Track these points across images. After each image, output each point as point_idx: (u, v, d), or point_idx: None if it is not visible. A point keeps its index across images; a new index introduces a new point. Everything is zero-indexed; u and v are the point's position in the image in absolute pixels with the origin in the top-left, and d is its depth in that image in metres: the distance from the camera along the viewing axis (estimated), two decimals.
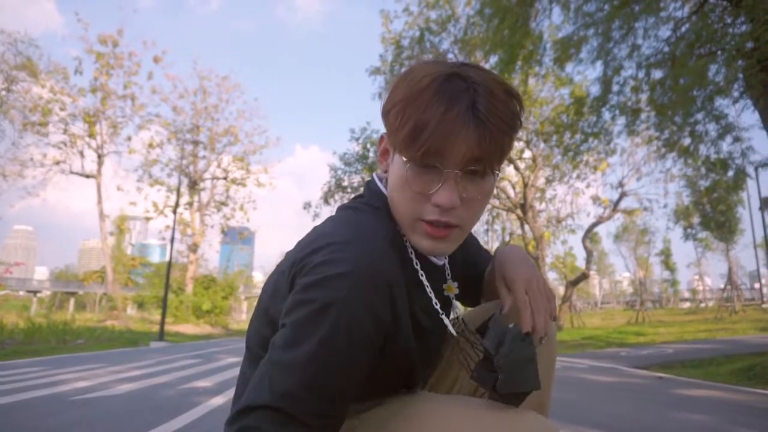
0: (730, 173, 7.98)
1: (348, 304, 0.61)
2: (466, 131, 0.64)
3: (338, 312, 0.60)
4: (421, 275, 0.77)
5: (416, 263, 0.76)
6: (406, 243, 0.76)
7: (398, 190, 0.71)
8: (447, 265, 0.86)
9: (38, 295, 56.25)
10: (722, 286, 26.44)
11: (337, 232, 0.69)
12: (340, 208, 0.81)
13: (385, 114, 0.72)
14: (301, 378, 0.60)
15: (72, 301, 57.79)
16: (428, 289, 0.78)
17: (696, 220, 24.51)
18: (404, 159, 0.68)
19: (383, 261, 0.65)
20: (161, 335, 15.08)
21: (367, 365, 0.65)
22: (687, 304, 44.31)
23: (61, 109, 25.26)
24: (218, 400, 3.53)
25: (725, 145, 7.73)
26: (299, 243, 0.73)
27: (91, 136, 25.99)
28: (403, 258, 0.74)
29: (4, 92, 23.13)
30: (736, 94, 7.11)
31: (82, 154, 26.15)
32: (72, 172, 26.15)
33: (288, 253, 0.74)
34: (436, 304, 0.79)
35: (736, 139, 7.38)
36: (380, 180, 0.81)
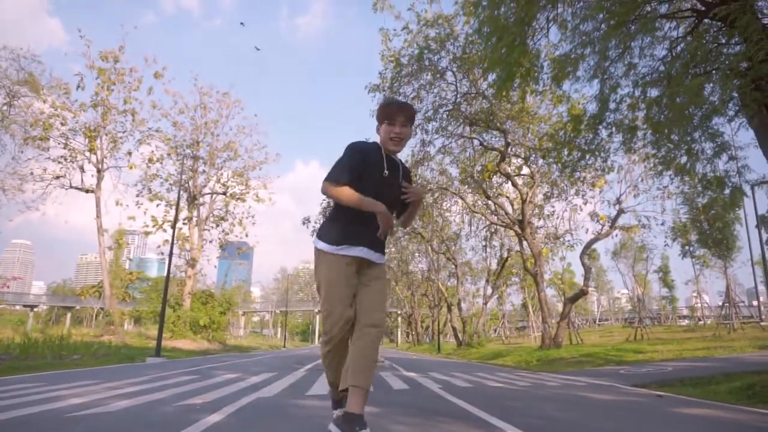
0: (727, 191, 8.01)
1: (350, 149, 2.58)
2: (401, 110, 2.63)
3: (348, 151, 2.58)
4: (384, 158, 2.65)
5: (382, 155, 2.65)
6: (381, 150, 2.66)
7: (381, 132, 2.66)
8: (397, 161, 2.74)
9: (35, 309, 55.92)
10: (720, 303, 26.40)
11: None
12: None
13: (377, 114, 2.68)
14: (337, 166, 2.54)
15: (69, 315, 57.45)
16: (384, 161, 2.63)
17: (693, 237, 24.56)
18: (384, 124, 2.64)
19: (364, 145, 2.63)
20: (158, 351, 14.97)
21: (357, 167, 2.52)
22: (685, 322, 44.14)
23: (62, 124, 25.40)
24: (215, 418, 3.51)
25: (721, 164, 7.78)
26: None
27: (92, 150, 26.08)
28: (379, 152, 2.65)
29: (6, 107, 23.26)
30: (731, 113, 7.19)
31: (82, 168, 26.22)
32: (72, 187, 26.19)
33: None
34: (386, 168, 2.63)
35: (732, 158, 7.43)
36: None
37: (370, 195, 2.45)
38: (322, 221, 3.11)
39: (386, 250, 3.06)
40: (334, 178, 2.47)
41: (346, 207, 2.49)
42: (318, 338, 74.96)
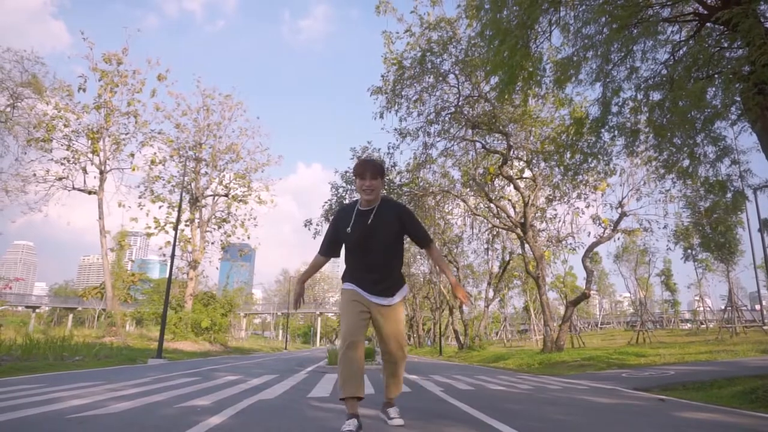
0: (729, 195, 8.00)
1: (331, 220, 3.44)
2: (367, 167, 3.23)
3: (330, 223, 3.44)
4: (354, 213, 3.27)
5: (355, 211, 3.29)
6: (357, 206, 3.30)
7: (356, 186, 3.29)
8: (373, 212, 3.27)
9: (37, 310, 56.01)
10: (723, 307, 26.32)
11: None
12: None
13: (353, 172, 3.33)
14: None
15: (71, 317, 57.50)
16: (352, 217, 3.26)
17: (696, 240, 24.51)
18: (357, 179, 3.24)
19: (342, 211, 3.37)
20: (159, 352, 14.98)
21: (330, 239, 3.38)
22: (688, 325, 44.03)
23: (65, 126, 25.51)
24: (216, 419, 3.51)
25: (723, 168, 7.79)
26: None
27: (94, 152, 26.17)
28: (350, 210, 3.31)
29: (9, 108, 23.35)
30: (733, 117, 7.18)
31: (84, 170, 26.32)
32: (74, 188, 26.28)
33: None
34: (350, 225, 3.24)
35: (734, 162, 7.43)
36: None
37: (349, 248, 3.33)
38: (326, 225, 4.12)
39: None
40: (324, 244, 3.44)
41: (347, 259, 3.37)
42: (319, 341, 75.00)
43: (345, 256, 3.37)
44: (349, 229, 3.22)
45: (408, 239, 3.59)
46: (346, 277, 3.36)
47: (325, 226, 23.40)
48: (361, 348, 3.16)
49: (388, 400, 3.53)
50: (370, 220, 3.23)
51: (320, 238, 3.43)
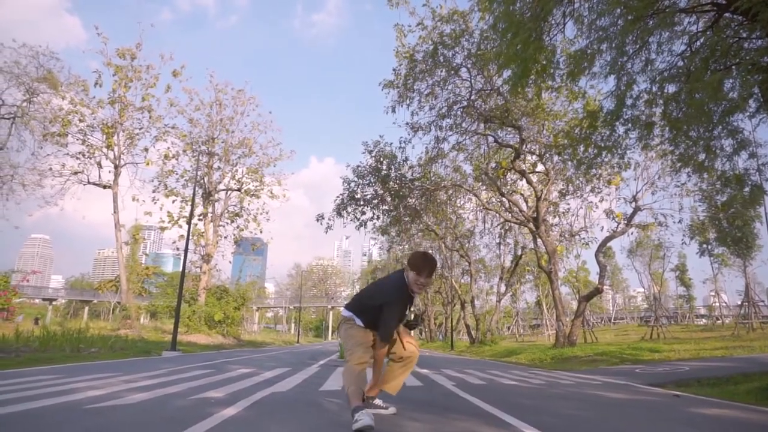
0: (747, 189, 7.87)
1: (396, 300, 3.59)
2: (430, 266, 3.53)
3: (395, 303, 3.59)
4: (409, 296, 3.66)
5: (410, 294, 3.65)
6: (407, 290, 3.63)
7: (410, 276, 3.56)
8: (416, 297, 3.77)
9: (53, 303, 56.87)
10: (739, 302, 25.97)
11: (387, 282, 3.84)
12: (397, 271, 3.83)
13: (410, 261, 3.59)
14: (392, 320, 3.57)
15: (86, 309, 58.34)
16: (411, 300, 3.74)
17: (712, 235, 24.17)
18: (413, 272, 3.52)
19: (400, 293, 3.60)
20: (173, 345, 15.15)
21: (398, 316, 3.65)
22: (703, 321, 43.51)
23: (80, 120, 25.76)
24: (230, 411, 3.54)
25: (741, 161, 7.65)
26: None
27: (109, 147, 26.43)
28: (407, 295, 3.65)
29: (25, 103, 23.64)
30: (752, 109, 7.04)
31: (99, 164, 26.59)
32: (89, 183, 26.57)
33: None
34: (409, 306, 3.80)
35: (752, 155, 7.30)
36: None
37: (394, 316, 3.60)
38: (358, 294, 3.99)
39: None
40: (386, 338, 3.60)
41: (368, 306, 3.67)
42: (331, 334, 75.33)
43: (364, 302, 3.72)
44: (414, 310, 4.03)
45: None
46: (359, 317, 3.68)
47: (339, 221, 23.50)
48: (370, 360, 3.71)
49: (369, 397, 3.74)
50: (409, 309, 3.86)
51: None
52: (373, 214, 21.17)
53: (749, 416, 4.03)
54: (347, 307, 3.81)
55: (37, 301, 58.26)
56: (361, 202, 20.92)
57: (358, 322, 3.67)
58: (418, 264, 3.49)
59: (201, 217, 30.16)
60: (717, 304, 39.89)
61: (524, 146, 18.63)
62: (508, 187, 22.11)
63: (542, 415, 3.77)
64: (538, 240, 20.64)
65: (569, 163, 15.32)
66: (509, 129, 18.77)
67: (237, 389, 5.10)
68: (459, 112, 17.92)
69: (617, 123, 8.39)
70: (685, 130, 7.66)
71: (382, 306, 3.50)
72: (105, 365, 8.72)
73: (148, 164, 28.03)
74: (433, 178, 21.17)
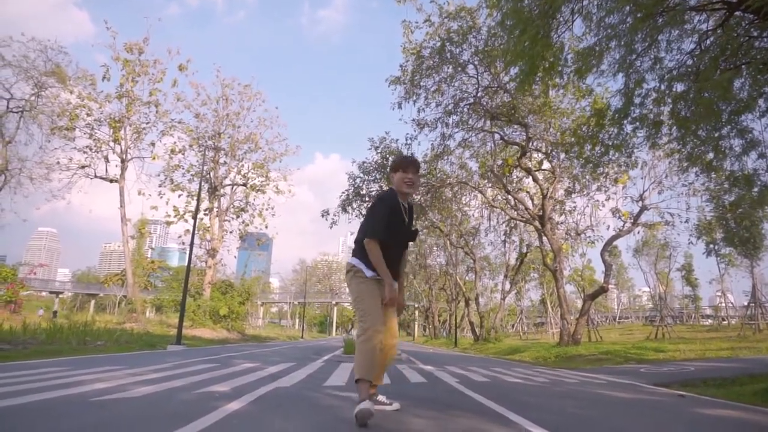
0: (756, 190, 7.81)
1: (381, 204, 3.33)
2: (412, 163, 3.48)
3: (380, 206, 3.33)
4: (401, 207, 3.38)
5: (401, 205, 3.38)
6: (398, 197, 3.39)
7: (396, 178, 3.43)
8: (406, 207, 3.45)
9: (60, 296, 57.31)
10: (746, 303, 25.83)
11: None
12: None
13: (392, 165, 3.55)
14: (372, 223, 3.28)
15: (92, 302, 58.74)
16: (402, 210, 3.39)
17: (719, 235, 24.02)
18: (398, 172, 3.42)
19: (390, 199, 3.35)
20: (179, 339, 15.22)
21: (387, 222, 3.25)
22: (708, 321, 43.32)
23: (88, 115, 25.90)
24: (235, 405, 3.56)
25: (750, 161, 7.59)
26: None
27: (116, 141, 26.55)
28: (398, 201, 3.37)
29: (33, 97, 23.77)
30: (762, 108, 6.98)
31: (106, 158, 26.75)
32: (96, 176, 26.72)
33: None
34: (405, 219, 3.41)
35: (762, 155, 7.24)
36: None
37: (396, 239, 3.35)
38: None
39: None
40: (370, 234, 3.25)
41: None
42: (335, 330, 75.52)
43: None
44: (406, 221, 3.42)
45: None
46: (365, 262, 3.29)
47: (344, 217, 23.52)
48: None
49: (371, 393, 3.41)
50: (407, 219, 3.44)
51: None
52: None
53: (755, 417, 4.01)
54: (354, 253, 3.43)
55: (44, 294, 58.72)
56: (367, 198, 20.92)
57: (367, 272, 3.29)
58: (401, 162, 3.42)
59: (207, 212, 30.28)
60: (723, 304, 39.68)
61: (531, 144, 18.57)
62: (514, 184, 22.05)
63: (546, 413, 3.76)
64: (544, 238, 20.59)
65: (576, 161, 15.27)
66: (516, 126, 18.71)
67: (241, 384, 5.11)
68: (465, 109, 17.88)
69: (625, 121, 8.35)
70: (694, 129, 7.62)
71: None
72: (110, 358, 8.77)
73: (154, 159, 28.15)
74: (438, 175, 21.13)
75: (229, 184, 31.66)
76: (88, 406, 3.47)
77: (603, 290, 20.17)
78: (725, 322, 34.85)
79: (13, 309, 21.23)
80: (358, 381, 3.09)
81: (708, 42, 7.48)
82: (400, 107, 17.11)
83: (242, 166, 31.94)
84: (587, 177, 18.65)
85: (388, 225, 3.26)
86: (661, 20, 6.97)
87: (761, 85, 6.37)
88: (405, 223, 3.41)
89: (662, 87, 7.84)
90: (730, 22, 7.20)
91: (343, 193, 21.27)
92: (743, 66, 6.75)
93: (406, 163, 3.41)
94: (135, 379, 5.23)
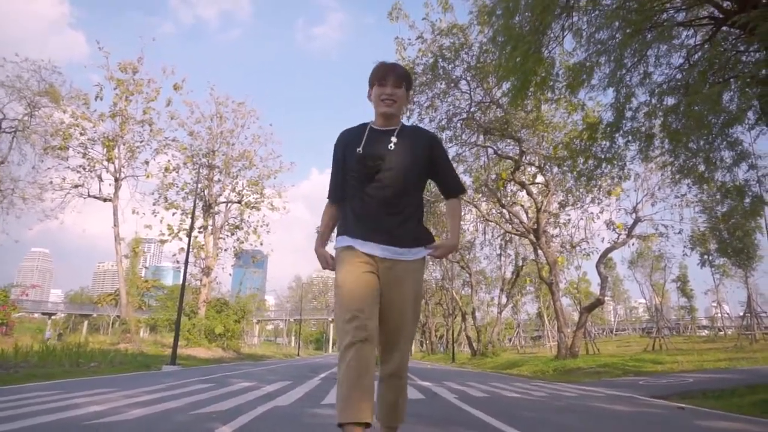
0: (747, 201, 7.88)
1: (334, 147, 2.38)
2: (392, 70, 2.27)
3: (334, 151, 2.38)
4: (366, 133, 2.28)
5: (368, 130, 2.28)
6: (369, 124, 2.32)
7: (372, 96, 2.29)
8: (395, 133, 2.27)
9: (53, 317, 56.64)
10: (742, 313, 25.88)
11: None
12: None
13: (369, 79, 2.31)
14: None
15: (86, 323, 58.10)
16: (363, 136, 2.26)
17: (713, 246, 24.14)
18: (375, 86, 2.27)
19: (347, 133, 2.35)
20: (173, 359, 15.05)
21: (338, 170, 2.33)
22: (705, 332, 43.30)
23: (81, 134, 25.82)
24: (232, 426, 3.52)
25: (741, 173, 7.68)
26: None
27: (110, 160, 26.47)
28: (361, 130, 2.31)
29: (27, 117, 23.74)
30: (751, 121, 7.08)
31: (100, 177, 26.60)
32: (90, 196, 26.56)
33: None
34: (362, 144, 2.23)
35: (752, 167, 7.32)
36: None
37: (352, 179, 2.21)
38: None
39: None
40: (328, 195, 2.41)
41: (348, 199, 2.26)
42: (332, 347, 74.92)
43: (347, 194, 2.29)
44: (360, 149, 2.20)
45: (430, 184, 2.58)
46: (341, 229, 2.27)
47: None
48: (373, 341, 1.99)
49: (388, 428, 2.35)
50: (391, 144, 2.22)
51: (332, 245, 2.35)
52: None
53: (755, 429, 3.99)
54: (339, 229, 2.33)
55: (36, 315, 58.00)
56: None
57: (339, 241, 2.23)
58: (375, 72, 2.28)
59: (201, 230, 30.13)
60: (719, 315, 39.72)
61: (524, 158, 18.69)
62: (508, 198, 22.13)
63: (546, 428, 3.74)
64: (539, 251, 20.62)
65: (569, 174, 15.36)
66: (509, 141, 18.84)
67: (238, 403, 5.06)
68: (459, 124, 18.00)
69: (617, 135, 8.44)
70: (685, 142, 7.71)
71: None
72: (104, 380, 8.66)
73: (148, 177, 28.05)
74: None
75: (224, 202, 31.57)
76: (83, 430, 3.42)
77: (599, 302, 20.18)
78: (722, 333, 34.86)
79: (4, 331, 20.98)
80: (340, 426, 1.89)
81: (696, 56, 7.61)
82: None
83: (237, 183, 31.89)
84: (581, 190, 18.76)
85: (342, 170, 2.29)
86: (649, 36, 7.09)
87: (750, 98, 6.46)
88: (387, 148, 2.21)
89: (653, 101, 7.95)
90: (718, 37, 7.34)
91: None
92: (731, 79, 6.86)
93: (382, 73, 2.27)
94: (129, 401, 5.16)
